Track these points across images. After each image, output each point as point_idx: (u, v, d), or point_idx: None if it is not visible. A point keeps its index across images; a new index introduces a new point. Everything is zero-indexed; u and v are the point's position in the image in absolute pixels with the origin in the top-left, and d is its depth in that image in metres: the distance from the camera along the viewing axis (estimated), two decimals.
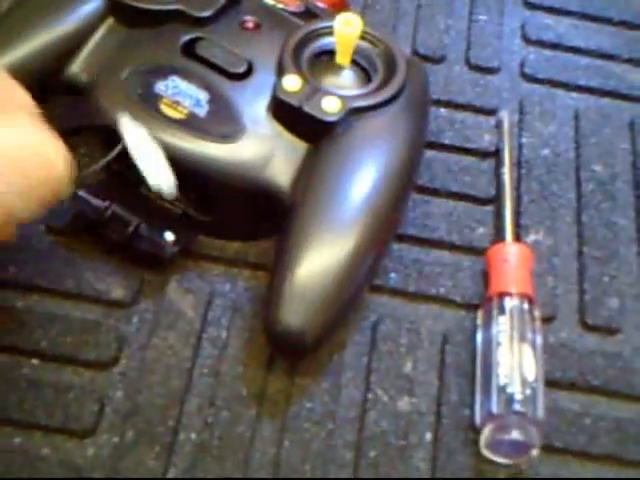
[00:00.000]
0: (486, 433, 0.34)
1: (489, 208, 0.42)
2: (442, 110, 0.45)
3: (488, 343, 0.36)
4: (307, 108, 0.36)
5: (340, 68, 0.38)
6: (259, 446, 0.34)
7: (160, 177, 0.35)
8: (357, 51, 0.38)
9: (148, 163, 0.35)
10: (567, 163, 0.44)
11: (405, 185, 0.37)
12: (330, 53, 0.38)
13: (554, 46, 0.48)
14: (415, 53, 0.47)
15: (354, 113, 0.36)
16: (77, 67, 0.38)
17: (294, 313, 0.33)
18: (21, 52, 0.37)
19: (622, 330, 0.39)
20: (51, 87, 0.38)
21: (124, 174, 0.37)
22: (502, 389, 0.34)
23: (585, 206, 0.42)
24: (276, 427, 0.35)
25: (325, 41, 0.38)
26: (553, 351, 0.37)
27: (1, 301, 0.37)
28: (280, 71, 0.37)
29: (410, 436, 0.35)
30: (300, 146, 0.37)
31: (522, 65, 0.47)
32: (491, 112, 0.45)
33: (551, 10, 0.50)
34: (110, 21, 0.39)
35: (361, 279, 0.35)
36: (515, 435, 0.33)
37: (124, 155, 0.35)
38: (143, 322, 0.37)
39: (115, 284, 0.37)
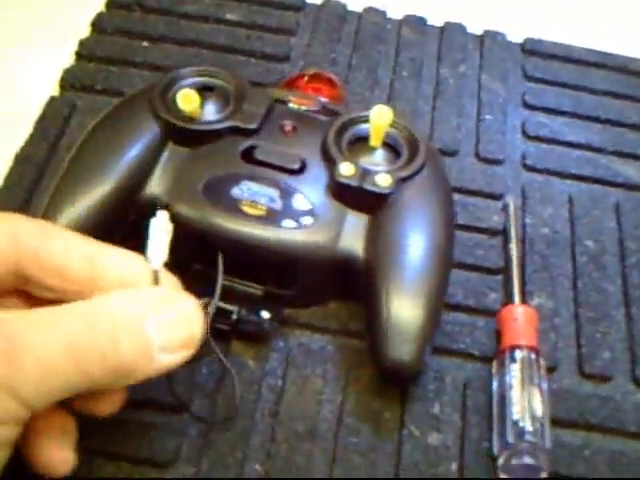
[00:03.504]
0: (503, 459, 0.41)
1: (499, 277, 0.49)
2: (457, 196, 0.53)
3: (503, 387, 0.43)
4: (367, 186, 0.44)
5: (374, 149, 0.47)
6: (316, 474, 0.41)
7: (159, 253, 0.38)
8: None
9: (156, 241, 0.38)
10: (564, 240, 0.52)
11: (451, 235, 0.45)
12: (363, 139, 0.47)
13: (550, 141, 0.57)
14: None
15: (400, 182, 0.45)
16: (151, 189, 0.45)
17: (399, 349, 0.41)
18: (100, 189, 0.43)
19: (614, 378, 0.46)
20: (131, 210, 0.45)
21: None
22: (515, 423, 0.41)
23: (580, 275, 0.50)
24: (328, 457, 0.42)
25: (356, 129, 0.47)
26: (556, 396, 0.44)
27: None
28: (329, 159, 0.45)
29: (439, 467, 0.42)
30: (362, 218, 0.44)
31: (523, 157, 0.56)
32: (498, 197, 0.53)
33: (547, 110, 0.59)
34: (171, 144, 0.46)
35: (438, 317, 0.43)
36: (527, 460, 0.40)
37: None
38: (213, 372, 0.44)
39: None
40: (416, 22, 0.64)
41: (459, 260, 0.50)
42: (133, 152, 0.45)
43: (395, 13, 0.64)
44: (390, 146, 0.47)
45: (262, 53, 0.60)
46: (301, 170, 0.46)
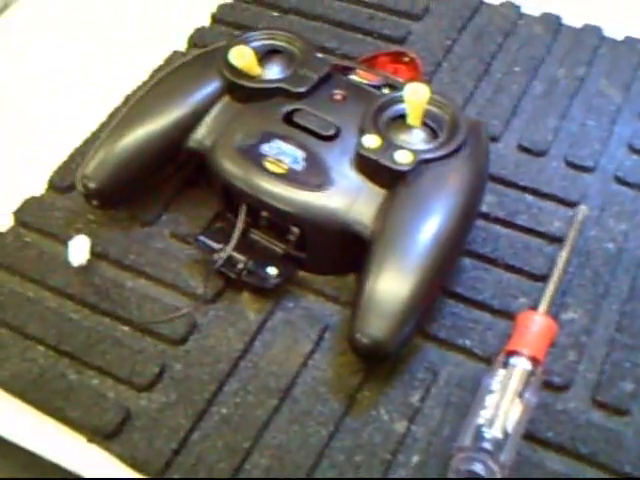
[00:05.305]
0: (455, 461, 0.38)
1: (538, 284, 0.45)
2: (528, 197, 0.50)
3: (485, 388, 0.40)
4: (383, 160, 0.43)
5: (411, 128, 0.45)
6: (272, 430, 0.41)
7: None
8: (427, 114, 0.45)
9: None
10: (629, 259, 0.46)
11: (463, 226, 0.43)
12: (404, 117, 0.45)
13: None
14: (518, 145, 0.52)
15: (424, 163, 0.43)
16: (199, 135, 0.47)
17: (372, 324, 0.40)
18: (158, 124, 0.47)
19: (630, 412, 0.41)
20: (179, 153, 0.48)
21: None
22: (478, 428, 0.38)
23: (632, 298, 0.45)
24: (289, 418, 0.41)
25: (400, 107, 0.46)
26: (554, 415, 0.40)
27: (117, 278, 0.47)
28: (362, 133, 0.45)
29: (398, 454, 0.40)
30: (379, 192, 0.44)
31: (617, 169, 0.51)
32: (569, 204, 0.49)
33: None
34: (226, 98, 0.48)
35: (424, 303, 0.41)
36: (477, 468, 0.37)
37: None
38: (217, 317, 0.45)
39: (203, 283, 0.46)
40: (551, 20, 0.60)
41: (500, 259, 0.46)
42: (191, 98, 0.48)
43: (531, 9, 0.61)
44: (432, 127, 0.45)
45: (380, 34, 0.60)
46: (333, 138, 0.45)
